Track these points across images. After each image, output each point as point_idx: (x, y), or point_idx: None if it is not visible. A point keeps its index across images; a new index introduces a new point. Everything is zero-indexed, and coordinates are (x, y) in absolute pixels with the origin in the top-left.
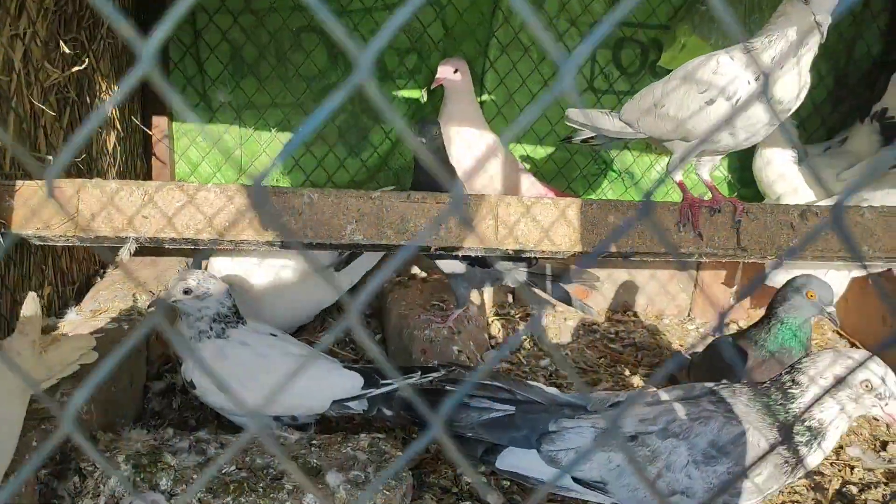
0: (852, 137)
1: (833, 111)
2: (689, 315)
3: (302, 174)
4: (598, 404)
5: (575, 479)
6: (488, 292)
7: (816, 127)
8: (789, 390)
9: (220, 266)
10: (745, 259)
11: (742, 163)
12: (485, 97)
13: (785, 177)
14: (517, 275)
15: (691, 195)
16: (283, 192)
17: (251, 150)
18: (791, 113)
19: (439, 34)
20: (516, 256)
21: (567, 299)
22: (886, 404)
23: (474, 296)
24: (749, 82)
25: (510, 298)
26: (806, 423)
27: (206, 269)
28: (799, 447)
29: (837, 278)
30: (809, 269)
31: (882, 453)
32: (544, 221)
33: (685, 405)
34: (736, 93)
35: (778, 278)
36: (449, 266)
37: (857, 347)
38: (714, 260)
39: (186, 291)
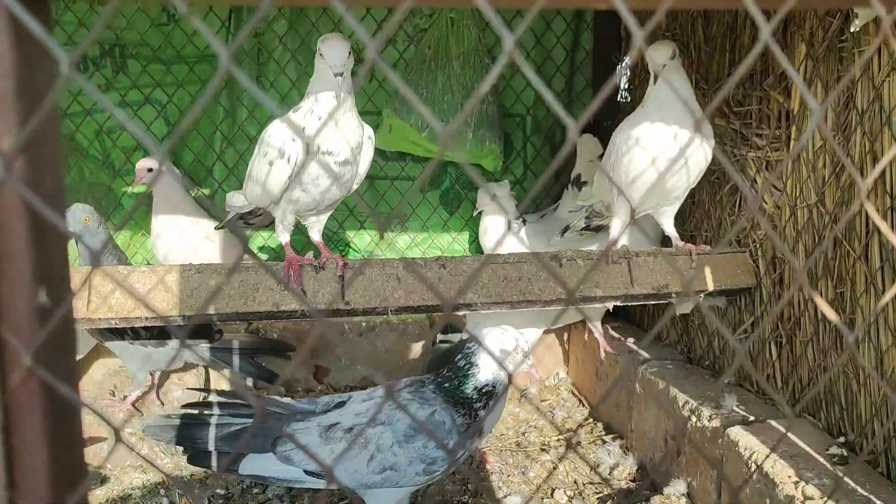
0: (563, 203)
1: (556, 182)
2: None
3: None
4: (325, 406)
5: (306, 472)
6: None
7: (543, 197)
8: (468, 372)
9: None
10: (355, 314)
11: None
12: (216, 188)
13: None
14: (198, 351)
15: (293, 254)
16: None
17: None
18: (343, 160)
19: (162, 132)
20: (194, 331)
21: (260, 374)
22: (528, 361)
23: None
24: (294, 140)
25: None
26: (484, 389)
27: None
28: (478, 411)
29: (529, 334)
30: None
31: (546, 500)
32: (141, 288)
33: (390, 405)
34: (286, 152)
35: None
36: (118, 347)
37: (584, 404)
38: (319, 317)
39: None
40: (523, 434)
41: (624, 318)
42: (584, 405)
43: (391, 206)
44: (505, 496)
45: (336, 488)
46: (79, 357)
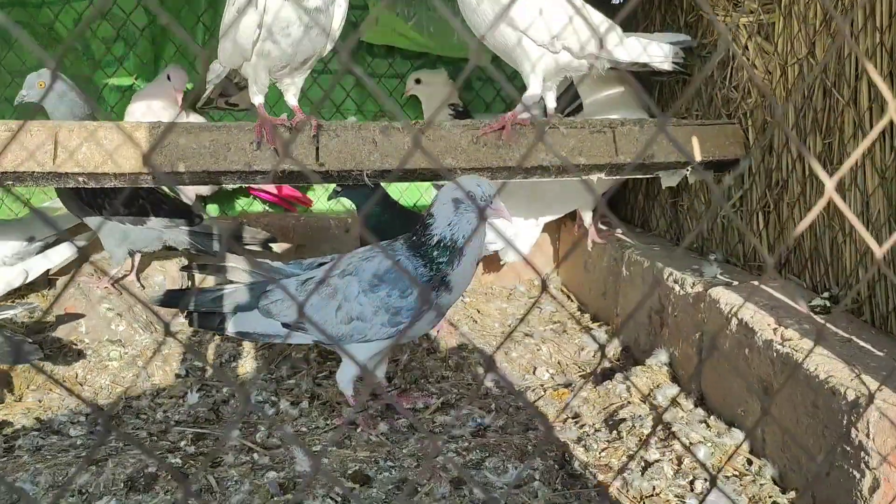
0: None
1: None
2: None
3: None
4: (310, 266)
5: (283, 325)
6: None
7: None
8: (426, 221)
9: None
10: (330, 179)
11: None
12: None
13: None
14: (178, 234)
15: (266, 115)
16: None
17: None
18: (314, 6)
19: (143, 20)
20: (174, 212)
21: None
22: (492, 203)
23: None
24: None
25: None
26: (443, 244)
27: None
28: (442, 266)
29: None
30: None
31: (527, 376)
32: (109, 145)
33: (362, 252)
34: None
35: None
36: (95, 223)
37: (572, 299)
38: (298, 181)
39: None
40: (508, 325)
41: (615, 215)
42: (571, 300)
43: (379, 104)
44: (486, 372)
45: (311, 343)
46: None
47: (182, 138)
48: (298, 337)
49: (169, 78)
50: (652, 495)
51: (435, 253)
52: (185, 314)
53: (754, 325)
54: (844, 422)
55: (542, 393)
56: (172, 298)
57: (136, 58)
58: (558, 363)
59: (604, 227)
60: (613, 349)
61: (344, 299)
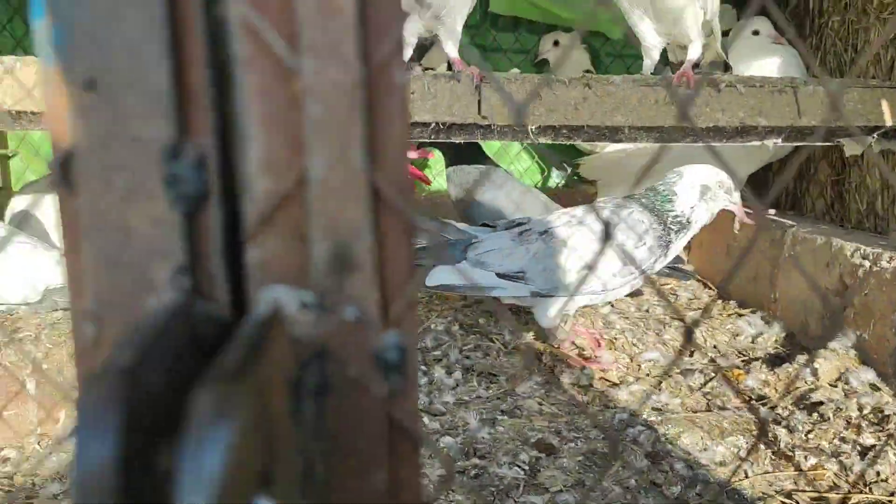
0: None
1: None
2: None
3: None
4: (506, 225)
5: (498, 275)
6: None
7: None
8: (667, 195)
9: None
10: (492, 135)
11: None
12: None
13: None
14: None
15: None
16: None
17: None
18: None
19: None
20: None
21: None
22: (732, 197)
23: None
24: None
25: None
26: (679, 219)
27: None
28: (671, 233)
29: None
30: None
31: (686, 359)
32: None
33: (584, 209)
34: None
35: None
36: None
37: (710, 287)
38: (458, 136)
39: None
40: (646, 310)
41: (758, 198)
42: (710, 288)
43: None
44: (640, 353)
45: (526, 294)
46: None
47: None
48: (513, 288)
49: None
50: (877, 481)
51: (669, 218)
52: None
53: None
54: None
55: (712, 374)
56: None
57: None
58: (714, 347)
59: (749, 211)
60: (774, 336)
61: (573, 249)
